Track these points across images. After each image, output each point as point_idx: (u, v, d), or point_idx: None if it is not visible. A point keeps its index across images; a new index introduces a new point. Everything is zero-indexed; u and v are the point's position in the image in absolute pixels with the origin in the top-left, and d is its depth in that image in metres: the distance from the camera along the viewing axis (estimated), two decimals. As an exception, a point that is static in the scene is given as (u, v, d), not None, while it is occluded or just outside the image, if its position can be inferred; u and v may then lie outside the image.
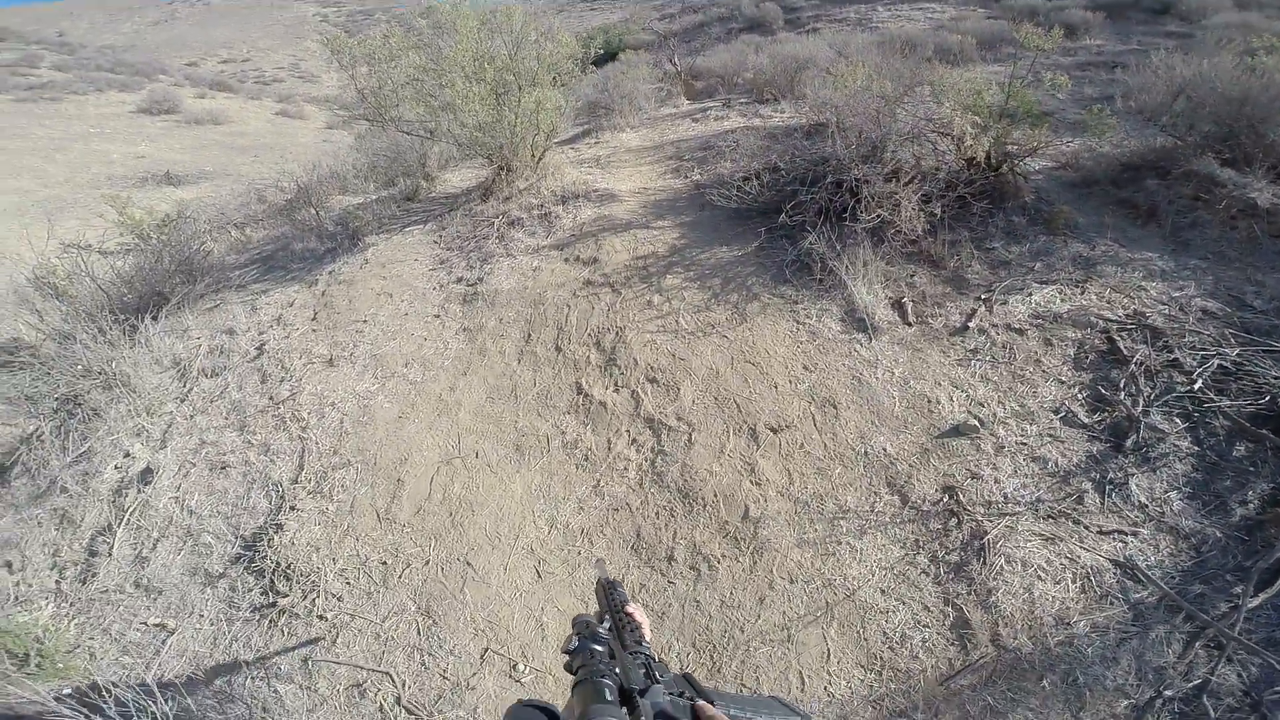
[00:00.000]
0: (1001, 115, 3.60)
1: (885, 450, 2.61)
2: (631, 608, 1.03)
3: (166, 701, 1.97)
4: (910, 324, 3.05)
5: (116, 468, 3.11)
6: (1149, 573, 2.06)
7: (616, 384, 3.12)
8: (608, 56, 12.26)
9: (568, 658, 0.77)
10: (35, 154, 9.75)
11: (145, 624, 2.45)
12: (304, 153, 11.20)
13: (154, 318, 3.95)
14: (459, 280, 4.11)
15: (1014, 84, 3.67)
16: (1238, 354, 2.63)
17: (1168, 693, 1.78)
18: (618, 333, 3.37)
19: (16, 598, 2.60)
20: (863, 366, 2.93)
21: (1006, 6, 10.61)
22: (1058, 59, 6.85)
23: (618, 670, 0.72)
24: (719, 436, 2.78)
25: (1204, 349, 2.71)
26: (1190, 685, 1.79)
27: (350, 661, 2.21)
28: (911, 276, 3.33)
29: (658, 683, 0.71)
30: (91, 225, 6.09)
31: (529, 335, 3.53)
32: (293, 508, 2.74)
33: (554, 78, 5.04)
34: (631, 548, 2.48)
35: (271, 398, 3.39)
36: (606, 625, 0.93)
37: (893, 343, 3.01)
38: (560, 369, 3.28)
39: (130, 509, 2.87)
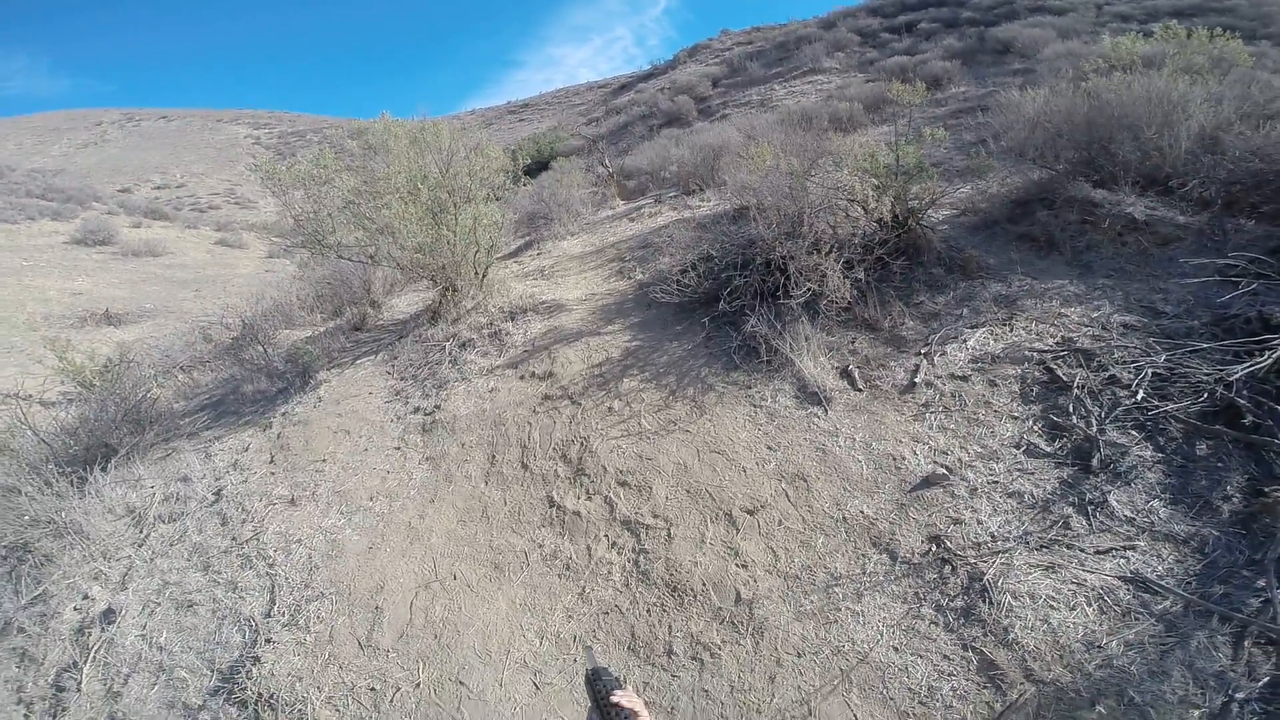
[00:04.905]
0: (896, 173, 3.94)
1: (863, 513, 2.63)
2: (619, 695, 0.99)
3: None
4: (860, 390, 3.15)
5: (76, 609, 3.08)
6: (1162, 583, 2.05)
7: (588, 492, 3.11)
8: (540, 166, 13.02)
9: None
10: (-33, 290, 9.41)
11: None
12: (247, 284, 11.11)
13: (103, 469, 3.89)
14: (416, 410, 4.11)
15: (899, 142, 4.05)
16: (1165, 359, 2.78)
17: (1239, 695, 1.74)
18: (582, 443, 3.38)
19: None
20: (824, 437, 2.98)
21: (880, 68, 11.91)
22: (932, 111, 7.63)
23: None
24: (697, 527, 2.78)
25: (1134, 361, 2.86)
26: (1261, 684, 1.75)
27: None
28: (852, 343, 3.47)
29: None
30: (30, 372, 5.89)
31: (493, 457, 3.53)
32: (268, 640, 2.71)
33: (488, 192, 5.20)
34: (628, 648, 2.41)
35: (234, 539, 3.34)
36: None
37: (848, 410, 3.09)
38: (529, 486, 3.27)
39: (95, 647, 2.86)
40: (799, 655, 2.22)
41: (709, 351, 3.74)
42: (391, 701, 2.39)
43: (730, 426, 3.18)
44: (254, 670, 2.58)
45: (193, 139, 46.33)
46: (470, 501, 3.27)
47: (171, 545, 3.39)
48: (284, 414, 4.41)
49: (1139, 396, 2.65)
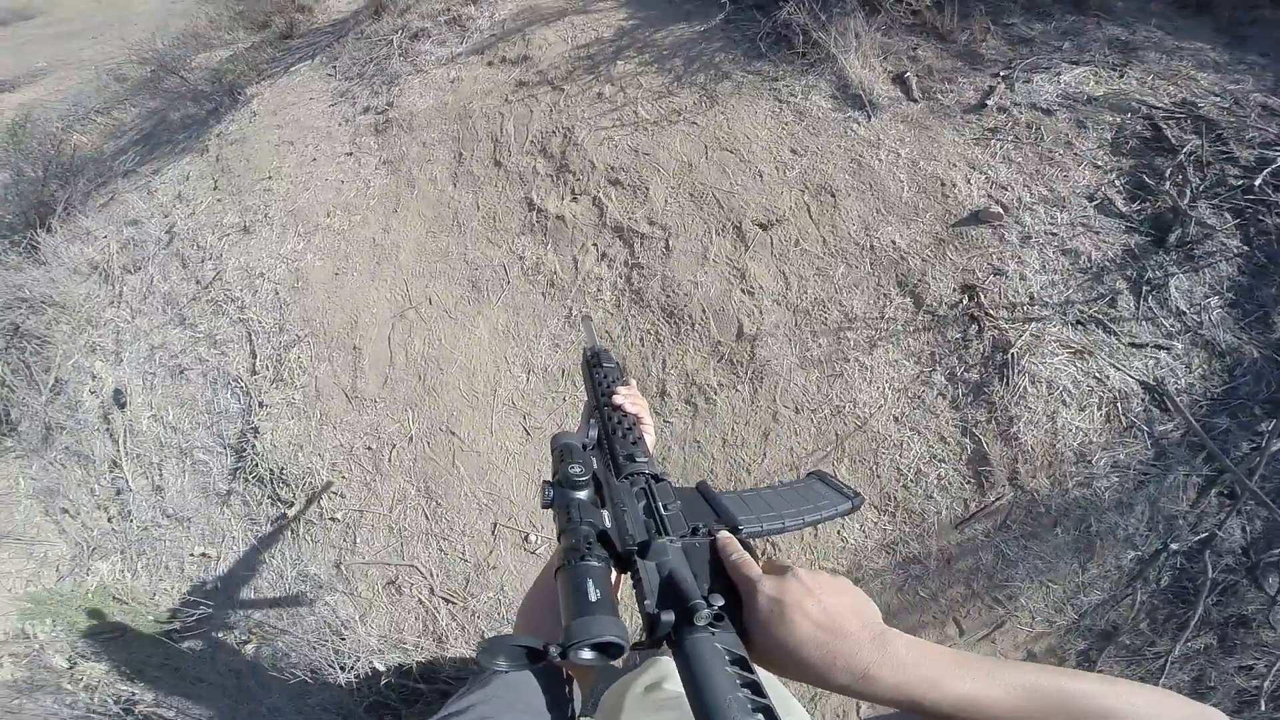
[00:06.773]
0: None
1: (894, 243, 2.17)
2: (622, 395, 0.79)
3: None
4: (916, 100, 2.49)
5: (91, 392, 2.97)
6: (1177, 399, 1.78)
7: (573, 192, 2.63)
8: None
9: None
10: None
11: (192, 555, 2.43)
12: (150, 20, 9.76)
13: (47, 229, 3.64)
14: (366, 110, 3.52)
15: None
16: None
17: (1174, 546, 1.69)
18: (565, 134, 2.78)
19: (90, 547, 2.57)
20: (862, 147, 2.39)
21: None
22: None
23: (608, 522, 0.57)
24: (700, 239, 2.35)
25: (1265, 148, 2.26)
26: (1196, 539, 1.68)
27: (377, 559, 2.17)
28: (914, 50, 2.74)
29: (663, 519, 0.57)
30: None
31: (460, 155, 2.99)
32: (261, 404, 2.59)
33: None
34: (622, 382, 2.11)
35: (198, 281, 3.12)
36: (594, 433, 0.74)
37: (896, 120, 2.46)
38: (504, 186, 2.79)
39: (121, 437, 2.77)
40: (796, 411, 2.01)
41: (727, 36, 2.98)
42: (390, 461, 2.32)
43: (748, 122, 2.55)
44: (258, 444, 2.48)
45: None
46: (439, 208, 2.86)
47: (144, 299, 3.19)
48: (218, 134, 3.90)
49: (1257, 184, 2.10)
